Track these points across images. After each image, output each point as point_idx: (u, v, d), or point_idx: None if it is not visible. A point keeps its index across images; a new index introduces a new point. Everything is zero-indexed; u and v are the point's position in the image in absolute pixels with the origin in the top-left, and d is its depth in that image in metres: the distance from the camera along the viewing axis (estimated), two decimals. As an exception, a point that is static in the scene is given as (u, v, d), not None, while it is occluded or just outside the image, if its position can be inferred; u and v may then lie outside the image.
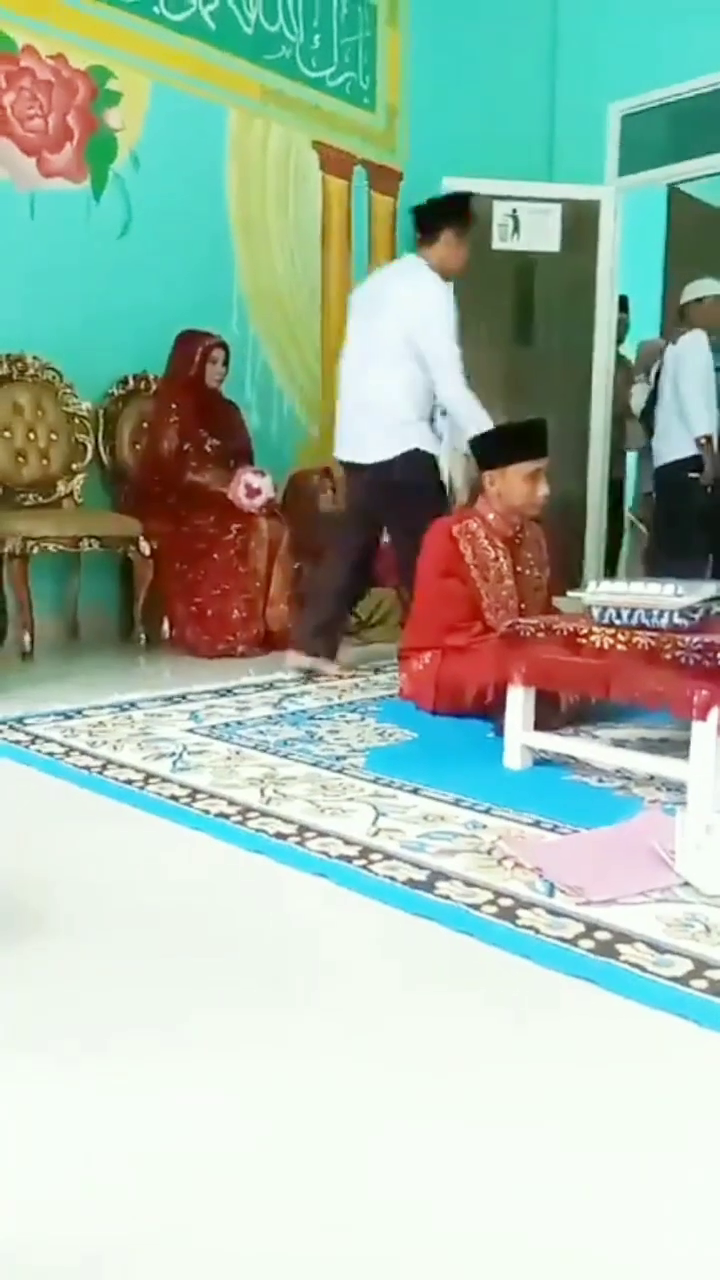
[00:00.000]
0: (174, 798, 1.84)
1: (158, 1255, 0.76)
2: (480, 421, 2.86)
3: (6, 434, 3.45)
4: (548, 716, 2.24)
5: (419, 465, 3.00)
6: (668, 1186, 0.84)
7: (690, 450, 4.30)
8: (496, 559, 2.59)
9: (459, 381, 2.96)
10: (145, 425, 3.82)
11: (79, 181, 3.70)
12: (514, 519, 2.62)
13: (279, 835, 1.66)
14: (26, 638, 3.32)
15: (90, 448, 3.69)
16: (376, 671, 3.31)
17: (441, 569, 2.56)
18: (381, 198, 4.88)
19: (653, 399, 4.60)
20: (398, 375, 2.99)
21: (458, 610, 2.52)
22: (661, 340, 5.01)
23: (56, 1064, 1.01)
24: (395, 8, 4.77)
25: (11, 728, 2.37)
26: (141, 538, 3.55)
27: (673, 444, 4.38)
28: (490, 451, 2.63)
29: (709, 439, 4.27)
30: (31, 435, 3.51)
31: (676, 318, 4.57)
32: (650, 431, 4.61)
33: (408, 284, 2.98)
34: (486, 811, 1.81)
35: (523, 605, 2.59)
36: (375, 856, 1.57)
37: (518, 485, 2.54)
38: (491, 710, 2.24)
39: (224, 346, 3.81)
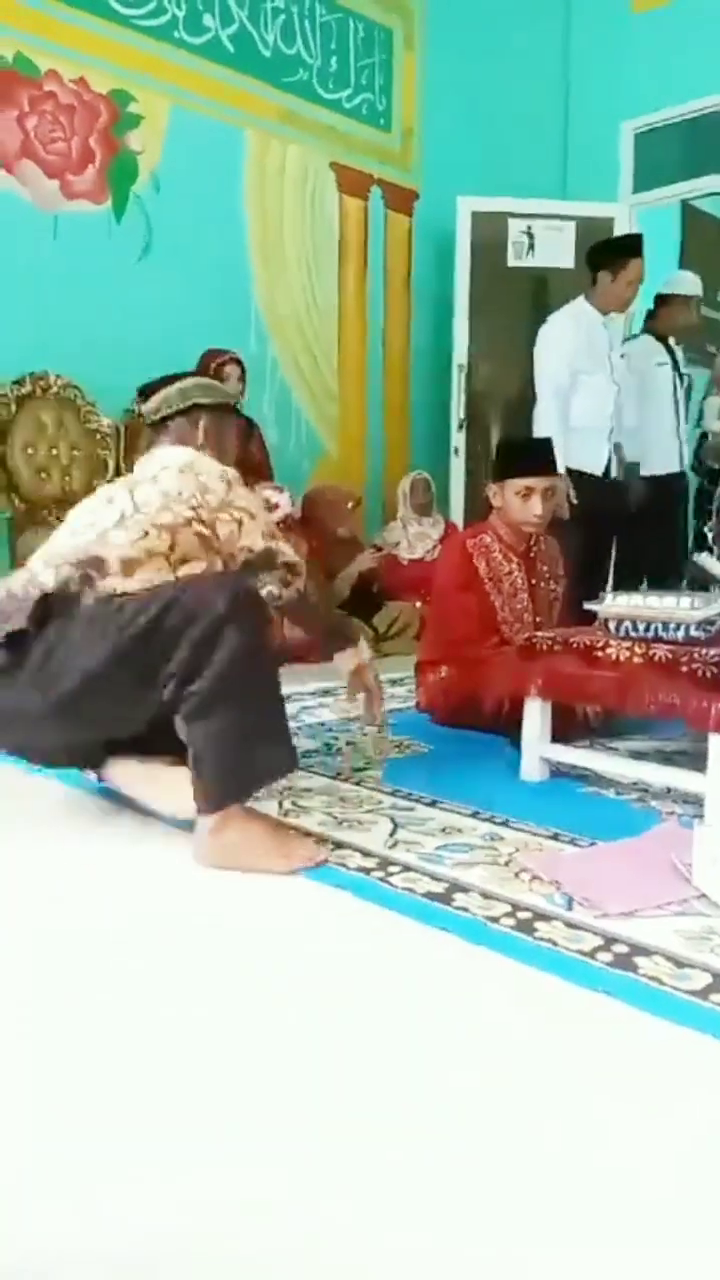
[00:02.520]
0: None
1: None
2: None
3: (29, 451, 3.50)
4: (568, 730, 2.25)
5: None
6: (686, 1201, 0.85)
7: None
8: (510, 572, 2.61)
9: (540, 410, 3.41)
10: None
11: (100, 203, 3.76)
12: (521, 532, 2.65)
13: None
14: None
15: (111, 464, 3.73)
16: (393, 684, 3.32)
17: (457, 582, 2.58)
18: (398, 217, 4.92)
19: None
20: None
21: (473, 624, 2.53)
22: None
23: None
24: (411, 30, 4.84)
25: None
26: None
27: None
28: (496, 464, 2.67)
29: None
30: (54, 452, 3.55)
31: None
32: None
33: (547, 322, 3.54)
34: (504, 824, 1.82)
35: (538, 619, 2.60)
36: (393, 868, 1.58)
37: (513, 500, 2.56)
38: (506, 724, 2.25)
39: (238, 362, 3.85)
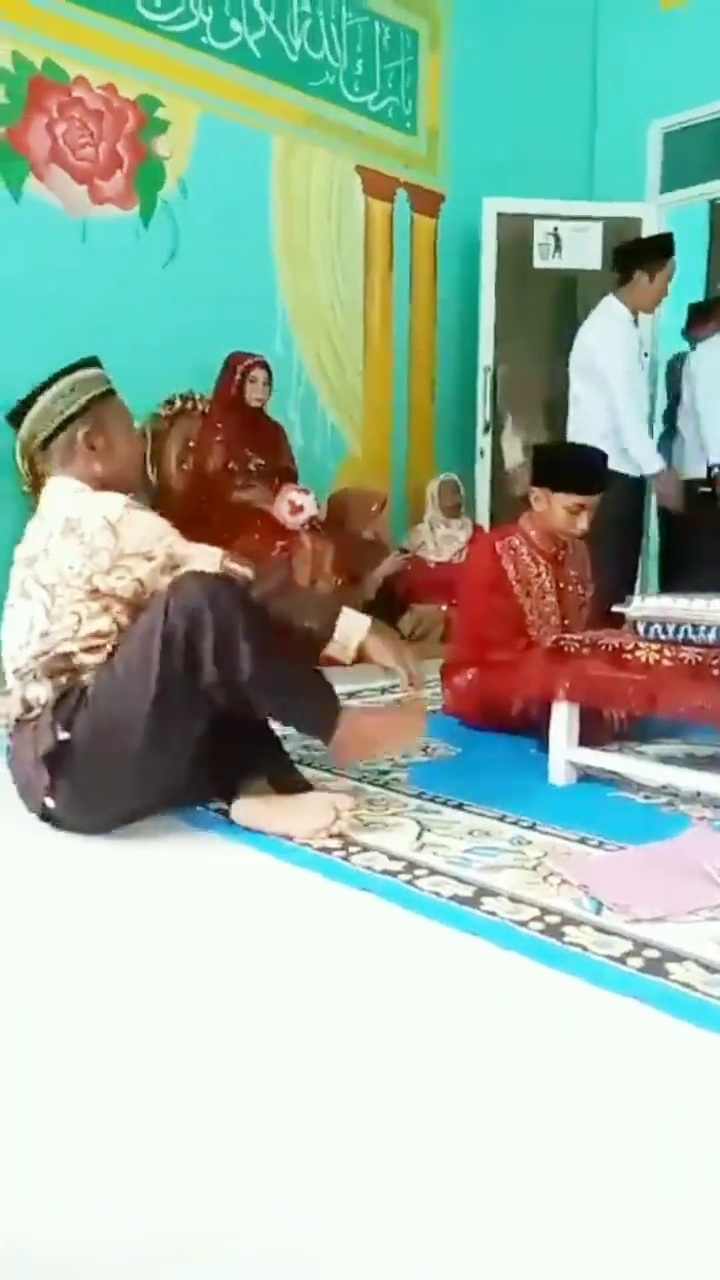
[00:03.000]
0: (221, 812, 1.86)
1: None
2: (646, 457, 3.38)
3: (56, 454, 3.53)
4: (595, 734, 2.23)
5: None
6: (712, 1204, 0.84)
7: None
8: (539, 575, 2.59)
9: (618, 409, 3.37)
10: (191, 445, 3.87)
11: (128, 208, 3.79)
12: (554, 536, 2.62)
13: (324, 850, 1.66)
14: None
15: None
16: (419, 688, 3.31)
17: (485, 584, 2.56)
18: (424, 219, 4.92)
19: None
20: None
21: (501, 627, 2.52)
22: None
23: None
24: (436, 32, 4.83)
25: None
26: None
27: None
28: (546, 468, 2.58)
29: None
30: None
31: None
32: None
33: (589, 325, 3.53)
34: (531, 827, 1.80)
35: (566, 621, 2.58)
36: (420, 872, 1.57)
37: (560, 512, 2.52)
38: (534, 726, 2.24)
39: (265, 366, 3.86)
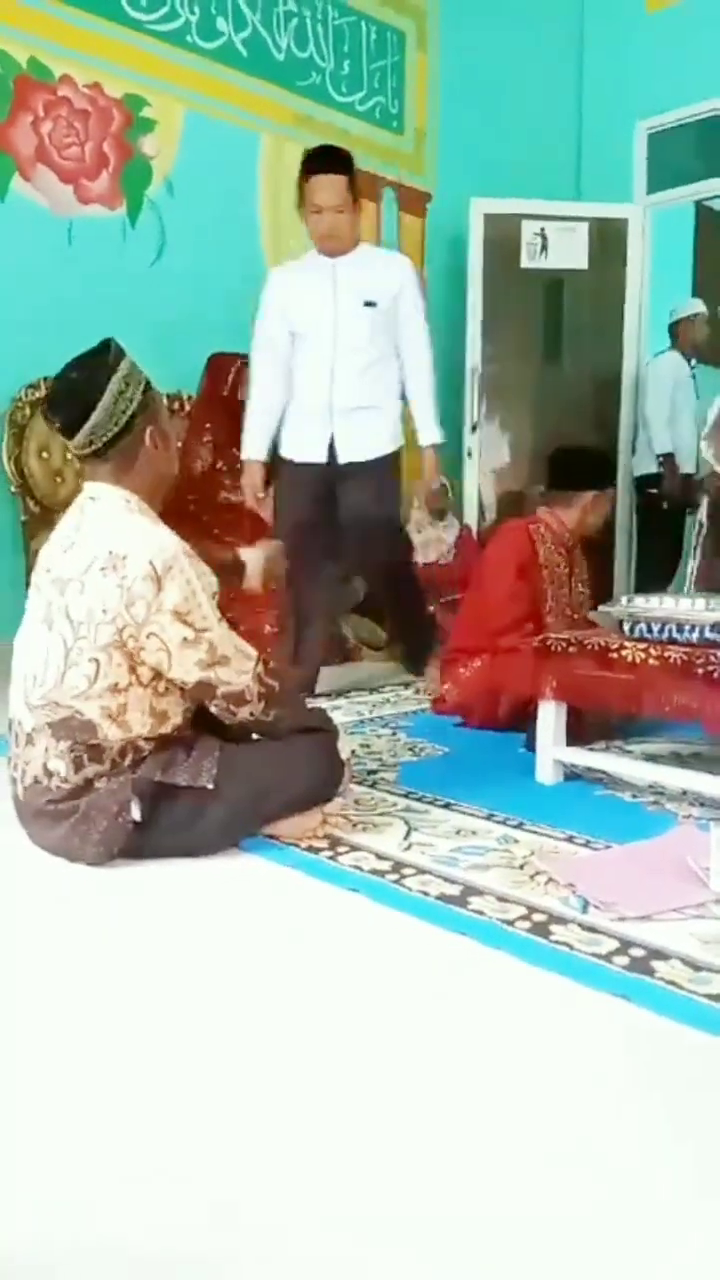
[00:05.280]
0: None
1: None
2: None
3: (44, 454, 3.51)
4: (591, 728, 2.28)
5: None
6: (704, 1204, 0.84)
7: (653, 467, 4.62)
8: (560, 564, 2.65)
9: None
10: (179, 444, 3.87)
11: (115, 208, 3.77)
12: (568, 530, 2.68)
13: (311, 850, 1.67)
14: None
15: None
16: (407, 686, 3.32)
17: (517, 564, 2.58)
18: (411, 219, 4.92)
19: None
20: None
21: (523, 608, 2.56)
22: None
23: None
24: (423, 32, 4.83)
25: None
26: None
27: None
28: (594, 469, 2.76)
29: (668, 457, 4.50)
30: (69, 456, 3.56)
31: (669, 336, 4.77)
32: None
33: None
34: (519, 826, 1.81)
35: (573, 615, 2.65)
36: (408, 871, 1.57)
37: (598, 509, 2.68)
38: (531, 723, 2.25)
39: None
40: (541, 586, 2.60)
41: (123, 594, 1.53)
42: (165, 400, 1.75)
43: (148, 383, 1.67)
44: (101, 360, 1.62)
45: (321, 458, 2.94)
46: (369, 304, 2.89)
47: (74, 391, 1.61)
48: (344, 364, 2.90)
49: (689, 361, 4.61)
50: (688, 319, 4.61)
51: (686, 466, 4.49)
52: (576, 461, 2.74)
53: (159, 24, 3.83)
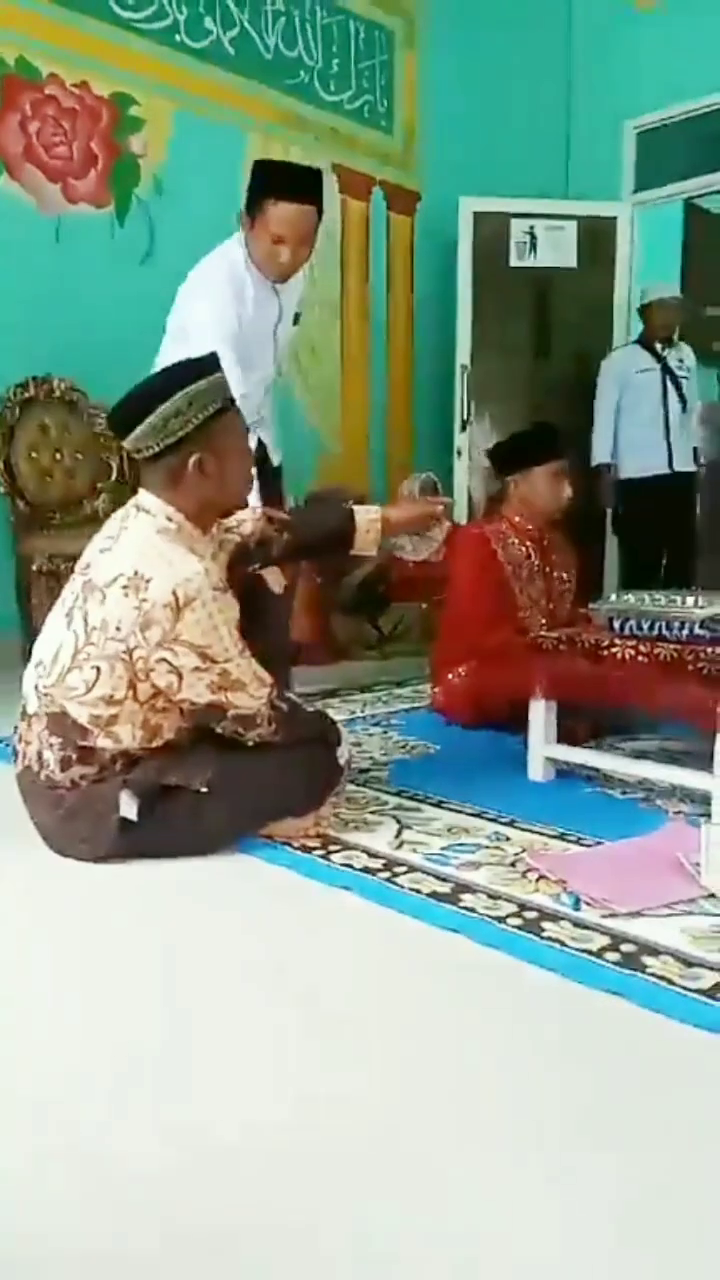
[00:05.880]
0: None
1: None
2: None
3: (34, 454, 3.50)
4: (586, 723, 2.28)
5: None
6: (694, 1197, 0.85)
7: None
8: (528, 557, 2.64)
9: None
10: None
11: (103, 206, 3.76)
12: (537, 522, 2.66)
13: (303, 849, 1.67)
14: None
15: (115, 466, 3.73)
16: (399, 685, 3.32)
17: (479, 568, 2.58)
18: (400, 218, 4.92)
19: None
20: None
21: (494, 607, 2.55)
22: None
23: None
24: (411, 31, 4.83)
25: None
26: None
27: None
28: (511, 455, 2.67)
29: (604, 468, 4.36)
30: (58, 455, 3.55)
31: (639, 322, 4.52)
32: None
33: None
34: (510, 824, 1.82)
35: (551, 606, 2.63)
36: (399, 869, 1.58)
37: (542, 486, 2.60)
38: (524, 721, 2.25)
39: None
40: (508, 586, 2.59)
41: (139, 616, 1.52)
42: (238, 424, 1.69)
43: (220, 411, 1.62)
44: (185, 374, 1.61)
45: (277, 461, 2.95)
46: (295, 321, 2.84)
47: (141, 394, 1.61)
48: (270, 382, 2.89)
49: (656, 351, 4.27)
50: (658, 302, 4.27)
51: (652, 468, 4.24)
52: (509, 449, 2.71)
53: (147, 23, 3.82)
